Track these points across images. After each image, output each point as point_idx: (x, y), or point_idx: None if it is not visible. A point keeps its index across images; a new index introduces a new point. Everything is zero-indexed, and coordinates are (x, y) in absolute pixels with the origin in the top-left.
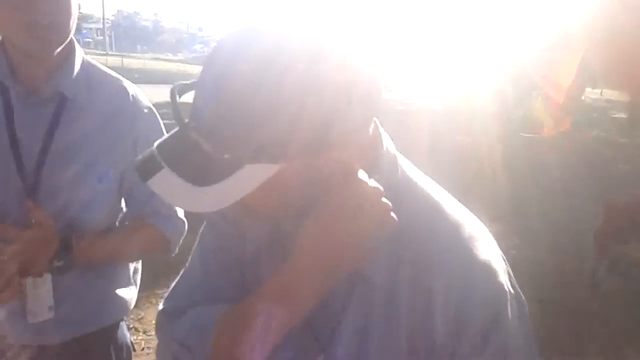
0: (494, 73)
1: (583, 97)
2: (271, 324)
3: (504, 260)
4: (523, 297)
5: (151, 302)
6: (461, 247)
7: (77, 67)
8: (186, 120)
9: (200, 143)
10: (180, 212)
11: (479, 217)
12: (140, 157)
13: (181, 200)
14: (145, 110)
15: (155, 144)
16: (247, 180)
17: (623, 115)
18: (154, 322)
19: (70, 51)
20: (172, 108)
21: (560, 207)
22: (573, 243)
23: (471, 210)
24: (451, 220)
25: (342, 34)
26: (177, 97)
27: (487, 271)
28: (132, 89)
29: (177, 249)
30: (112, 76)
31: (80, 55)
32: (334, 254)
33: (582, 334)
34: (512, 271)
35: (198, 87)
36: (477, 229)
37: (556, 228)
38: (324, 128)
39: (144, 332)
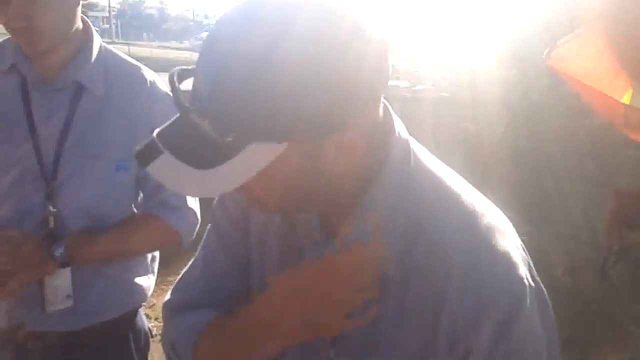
0: (497, 57)
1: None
2: (249, 348)
3: (524, 251)
4: (544, 290)
5: (162, 289)
6: (478, 238)
7: (94, 55)
8: (187, 105)
9: (202, 125)
10: (191, 203)
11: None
12: (139, 144)
13: (182, 185)
14: (163, 97)
15: (155, 131)
16: (251, 161)
17: None
18: None
19: (86, 40)
20: (172, 93)
21: (569, 194)
22: (583, 230)
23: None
24: (468, 210)
25: (349, 14)
26: (177, 82)
27: (506, 263)
28: (149, 75)
29: (190, 239)
30: (131, 63)
31: (97, 43)
32: (304, 318)
33: (592, 321)
34: None
35: (198, 71)
36: (496, 219)
37: (565, 215)
38: (330, 108)
39: (156, 319)
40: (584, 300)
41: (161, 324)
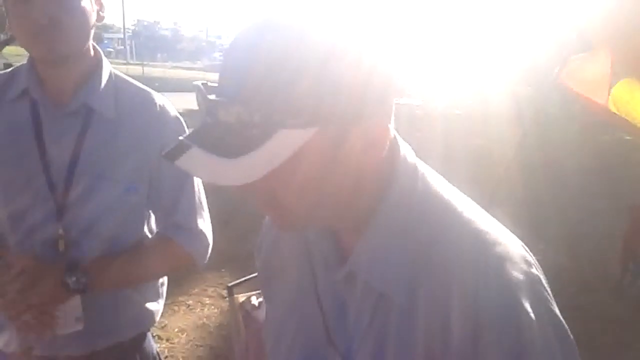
0: (510, 75)
1: None
2: None
3: (540, 284)
4: (561, 321)
5: (173, 310)
6: (486, 269)
7: (104, 80)
8: (213, 98)
9: (228, 117)
10: (203, 226)
11: (503, 223)
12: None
13: (209, 174)
14: (173, 121)
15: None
16: (277, 149)
17: None
18: (177, 330)
19: (97, 64)
20: (198, 96)
21: (583, 211)
22: (596, 248)
23: (494, 216)
24: (479, 238)
25: (371, 18)
26: (203, 89)
27: (512, 297)
28: (159, 99)
29: (203, 262)
30: (140, 88)
31: (107, 68)
32: None
33: (609, 341)
34: None
35: (222, 68)
36: (509, 247)
37: (580, 232)
38: (350, 95)
39: (167, 340)
40: (600, 319)
41: (172, 344)
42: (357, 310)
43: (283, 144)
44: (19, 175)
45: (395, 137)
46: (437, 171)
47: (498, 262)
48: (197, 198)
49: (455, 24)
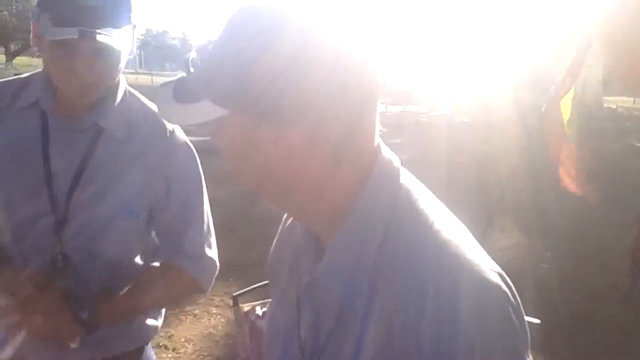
0: (513, 80)
1: (615, 106)
2: None
3: (509, 294)
4: (527, 331)
5: (180, 320)
6: (452, 276)
7: (118, 99)
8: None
9: (192, 77)
10: (211, 252)
11: (509, 231)
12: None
13: (169, 113)
14: (182, 147)
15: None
16: (210, 108)
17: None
18: (183, 340)
19: (115, 84)
20: (184, 66)
21: (590, 219)
22: (604, 256)
23: (500, 224)
24: (446, 248)
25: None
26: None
27: (477, 306)
28: (171, 125)
29: (209, 287)
30: (153, 111)
31: (123, 87)
32: None
33: (615, 349)
34: (543, 286)
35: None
36: (479, 257)
37: (586, 241)
38: (281, 94)
39: (174, 350)
40: (607, 328)
41: (179, 355)
42: (323, 316)
43: (211, 108)
44: (22, 186)
45: (378, 145)
46: (441, 179)
47: (468, 271)
48: (205, 225)
49: (459, 31)
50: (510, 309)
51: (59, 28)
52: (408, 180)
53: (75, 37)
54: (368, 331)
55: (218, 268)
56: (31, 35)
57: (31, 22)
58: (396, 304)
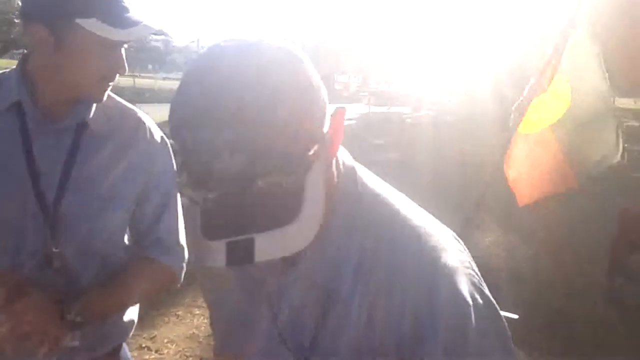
0: (495, 76)
1: None
2: None
3: (471, 269)
4: (495, 306)
5: (164, 321)
6: (425, 259)
7: None
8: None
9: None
10: (181, 239)
11: (492, 228)
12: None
13: (285, 248)
14: (160, 144)
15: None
16: (314, 185)
17: (636, 124)
18: (166, 340)
19: None
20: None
21: (573, 217)
22: (585, 253)
23: (484, 222)
24: (415, 232)
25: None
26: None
27: (450, 283)
28: (147, 121)
29: (182, 276)
30: (128, 107)
31: None
32: None
33: (596, 345)
34: (527, 283)
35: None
36: (443, 238)
37: (567, 237)
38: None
39: (156, 351)
40: (588, 324)
41: (162, 356)
42: (308, 308)
43: (315, 178)
44: (7, 188)
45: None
46: (424, 178)
47: (434, 252)
48: (179, 213)
49: (444, 32)
50: (479, 293)
51: (119, 29)
52: (363, 173)
53: (139, 37)
54: (368, 315)
55: (187, 257)
56: (36, 37)
57: (33, 25)
58: (379, 293)
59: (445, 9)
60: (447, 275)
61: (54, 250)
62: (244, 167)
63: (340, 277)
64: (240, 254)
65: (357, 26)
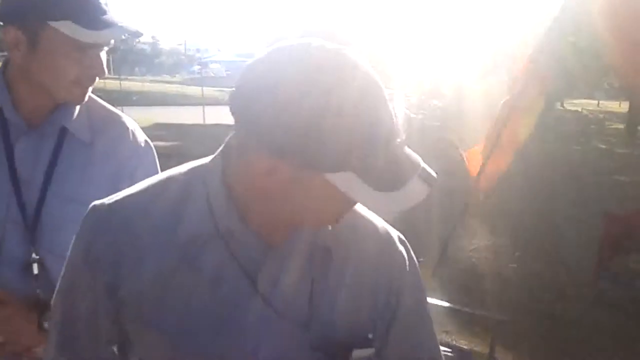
0: (480, 70)
1: (580, 109)
2: None
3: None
4: (415, 259)
5: None
6: (383, 232)
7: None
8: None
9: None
10: None
11: (478, 232)
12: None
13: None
14: (144, 147)
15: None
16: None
17: (620, 126)
18: None
19: None
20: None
21: (557, 218)
22: (572, 255)
23: (471, 225)
24: (367, 217)
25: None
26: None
27: (407, 250)
28: (131, 124)
29: None
30: (112, 111)
31: None
32: None
33: (585, 346)
34: (513, 286)
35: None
36: (381, 222)
37: (556, 240)
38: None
39: None
40: (577, 325)
41: None
42: (304, 274)
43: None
44: None
45: None
46: None
47: (384, 226)
48: None
49: (433, 34)
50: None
51: (92, 31)
52: None
53: (113, 39)
54: (349, 271)
55: None
56: (11, 40)
57: (8, 28)
58: (369, 253)
59: (431, 12)
60: (403, 242)
61: (34, 256)
62: None
63: (337, 239)
64: (429, 176)
65: (340, 29)
